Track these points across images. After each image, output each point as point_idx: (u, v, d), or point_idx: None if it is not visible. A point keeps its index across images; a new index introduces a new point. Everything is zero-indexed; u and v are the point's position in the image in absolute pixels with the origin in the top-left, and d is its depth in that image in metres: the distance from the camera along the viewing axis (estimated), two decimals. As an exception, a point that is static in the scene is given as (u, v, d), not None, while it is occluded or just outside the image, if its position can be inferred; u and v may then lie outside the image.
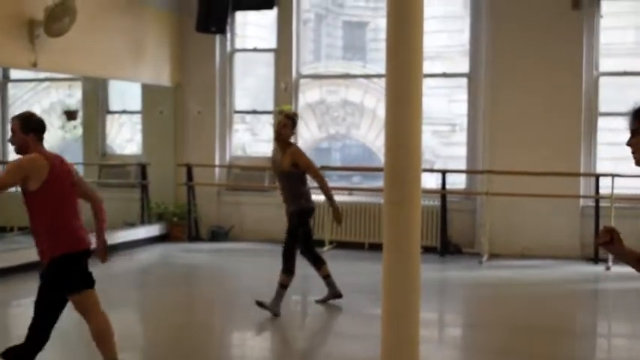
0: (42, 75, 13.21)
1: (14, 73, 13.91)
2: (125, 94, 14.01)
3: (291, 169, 8.10)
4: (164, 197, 13.30)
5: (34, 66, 10.42)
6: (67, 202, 5.60)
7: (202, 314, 8.66)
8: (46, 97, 14.60)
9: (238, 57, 13.64)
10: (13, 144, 5.65)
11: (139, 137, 14.03)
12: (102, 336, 5.77)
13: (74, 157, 14.18)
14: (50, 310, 5.63)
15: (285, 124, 8.14)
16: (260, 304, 7.90)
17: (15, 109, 14.27)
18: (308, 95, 13.82)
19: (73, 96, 13.95)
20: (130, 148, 14.22)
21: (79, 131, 13.94)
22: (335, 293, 8.59)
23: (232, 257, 12.03)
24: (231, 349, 7.53)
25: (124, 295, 9.68)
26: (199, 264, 11.70)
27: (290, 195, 8.17)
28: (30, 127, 5.59)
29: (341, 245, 12.14)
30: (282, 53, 13.14)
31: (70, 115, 13.43)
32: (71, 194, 5.62)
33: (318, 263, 8.64)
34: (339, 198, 12.62)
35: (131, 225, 12.98)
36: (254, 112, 13.83)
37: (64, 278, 5.56)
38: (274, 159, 8.35)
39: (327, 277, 8.61)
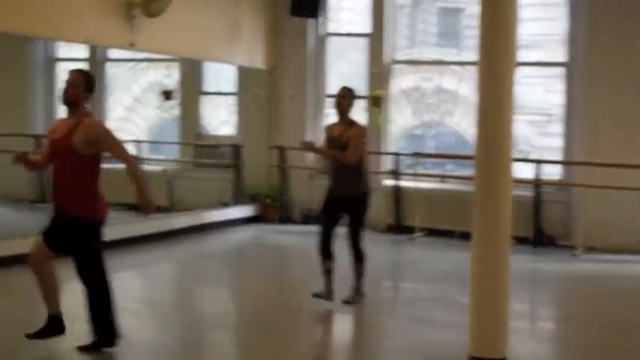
0: (140, 55, 13.44)
1: (113, 53, 14.20)
2: (220, 76, 14.16)
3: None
4: (257, 178, 13.43)
5: (131, 46, 10.62)
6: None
7: (292, 295, 8.70)
8: (145, 76, 14.87)
9: (332, 41, 13.63)
10: (66, 96, 5.89)
11: (233, 119, 14.18)
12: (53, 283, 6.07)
13: (170, 136, 14.47)
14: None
15: (344, 94, 7.79)
16: (347, 302, 7.82)
17: (113, 88, 14.61)
18: (402, 81, 13.72)
19: (171, 76, 14.17)
20: (225, 130, 14.39)
21: (176, 111, 14.17)
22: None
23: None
24: (319, 331, 7.54)
25: (216, 274, 9.83)
26: (290, 246, 11.78)
27: (355, 173, 7.68)
28: (91, 86, 5.97)
29: (431, 233, 12.05)
30: (376, 38, 13.07)
31: (167, 95, 13.67)
32: None
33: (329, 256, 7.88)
34: (431, 185, 12.61)
35: (225, 205, 13.16)
36: (347, 96, 13.78)
37: (93, 241, 6.00)
38: (332, 134, 7.80)
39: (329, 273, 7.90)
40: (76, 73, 5.94)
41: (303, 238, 12.17)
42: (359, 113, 13.44)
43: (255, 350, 6.68)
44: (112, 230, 10.79)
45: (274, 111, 13.53)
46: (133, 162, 6.03)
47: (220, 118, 14.61)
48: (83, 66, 14.14)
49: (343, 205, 7.72)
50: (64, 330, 6.14)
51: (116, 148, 5.92)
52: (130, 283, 9.48)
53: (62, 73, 14.59)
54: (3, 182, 13.67)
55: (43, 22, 9.60)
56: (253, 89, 13.63)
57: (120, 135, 13.81)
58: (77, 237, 5.93)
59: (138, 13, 10.46)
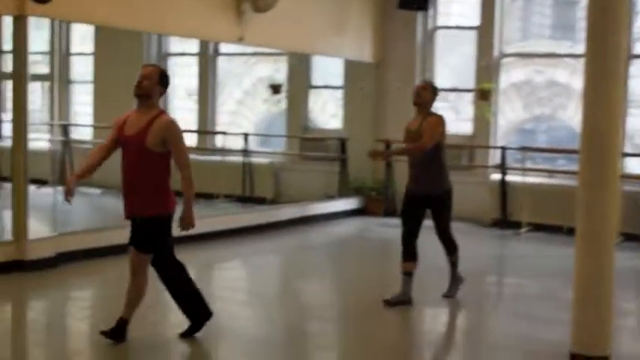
0: (249, 49, 13.66)
1: (224, 48, 14.47)
2: (328, 70, 14.25)
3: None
4: (362, 171, 13.47)
5: (240, 40, 10.81)
6: None
7: (394, 288, 8.69)
8: (255, 71, 15.09)
9: (440, 34, 13.54)
10: (139, 88, 5.85)
11: (340, 112, 14.26)
12: (139, 296, 6.06)
13: (278, 129, 14.66)
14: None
15: (425, 87, 7.57)
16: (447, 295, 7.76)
17: (225, 82, 14.87)
18: (513, 74, 13.52)
19: (280, 70, 14.34)
20: (331, 123, 14.48)
21: (284, 105, 14.34)
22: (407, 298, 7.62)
23: (426, 235, 12.00)
24: (421, 325, 7.53)
25: (320, 266, 9.93)
26: (394, 239, 11.70)
27: (435, 170, 7.48)
28: (166, 82, 5.96)
29: (538, 228, 11.84)
30: (485, 31, 12.92)
31: (275, 88, 13.84)
32: None
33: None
34: (539, 179, 12.39)
35: (330, 197, 13.27)
36: (455, 90, 13.67)
37: (164, 235, 5.98)
38: (410, 128, 7.58)
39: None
40: (151, 67, 5.98)
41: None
42: (467, 106, 13.39)
43: (355, 342, 6.72)
44: (218, 221, 11.19)
45: (381, 104, 13.53)
46: (189, 174, 5.98)
47: (327, 112, 14.71)
48: (195, 60, 14.57)
49: (426, 205, 7.53)
50: (125, 338, 6.10)
51: (181, 154, 5.88)
52: (235, 274, 9.69)
53: (174, 67, 14.98)
54: (116, 173, 14.14)
55: (156, 18, 9.89)
56: (360, 82, 13.67)
57: (230, 128, 14.16)
58: (153, 234, 5.98)
59: (247, 8, 10.65)
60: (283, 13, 10.96)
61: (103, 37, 14.51)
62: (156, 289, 6.43)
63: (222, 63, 14.84)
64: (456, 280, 7.82)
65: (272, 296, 8.29)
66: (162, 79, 5.90)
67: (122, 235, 9.58)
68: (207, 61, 14.50)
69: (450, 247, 7.75)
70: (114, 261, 8.82)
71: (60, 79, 15.37)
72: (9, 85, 9.35)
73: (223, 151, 14.06)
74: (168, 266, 6.15)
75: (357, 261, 10.31)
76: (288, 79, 14.15)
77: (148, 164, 5.82)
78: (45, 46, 15.40)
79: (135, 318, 6.15)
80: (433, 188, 7.48)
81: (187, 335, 6.27)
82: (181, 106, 15.19)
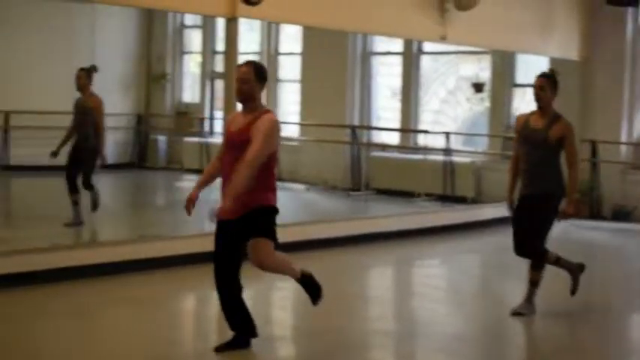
0: (452, 48, 13.66)
1: (428, 46, 14.54)
2: (532, 68, 13.99)
3: (555, 143, 6.83)
4: (566, 172, 13.13)
5: (443, 39, 10.84)
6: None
7: (594, 291, 8.48)
8: (459, 69, 15.07)
9: (655, 30, 13.01)
10: (241, 94, 5.60)
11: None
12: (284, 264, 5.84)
13: (480, 128, 14.57)
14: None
15: (542, 86, 6.86)
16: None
17: (430, 81, 14.95)
18: None
19: (484, 69, 14.24)
20: (535, 122, 14.20)
21: (487, 103, 14.23)
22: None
23: (634, 239, 11.60)
24: (625, 331, 7.31)
25: (519, 266, 9.78)
26: (598, 242, 11.45)
27: (550, 172, 6.87)
28: (263, 76, 5.67)
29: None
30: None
31: (478, 87, 13.78)
32: None
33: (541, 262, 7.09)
34: None
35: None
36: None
37: (272, 225, 5.71)
38: (530, 126, 6.91)
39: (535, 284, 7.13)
40: (244, 67, 5.66)
41: (613, 235, 11.78)
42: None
43: (549, 344, 6.62)
44: (418, 219, 11.32)
45: (586, 103, 13.14)
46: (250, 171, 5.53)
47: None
48: (399, 59, 14.75)
49: (536, 205, 6.92)
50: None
51: (260, 152, 5.52)
52: (434, 271, 9.76)
53: (379, 67, 15.23)
54: (320, 170, 14.57)
55: (361, 17, 10.12)
56: (565, 81, 13.30)
57: (433, 127, 14.21)
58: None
59: (450, 6, 10.67)
60: (486, 10, 10.89)
61: (310, 37, 14.99)
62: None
63: (425, 62, 14.93)
64: (531, 300, 7.13)
65: (470, 295, 8.30)
66: (259, 76, 5.64)
67: (325, 229, 10.02)
68: (411, 60, 14.63)
69: (538, 260, 7.10)
70: (318, 254, 9.15)
71: (269, 79, 16.01)
72: (221, 84, 9.87)
73: (425, 149, 14.15)
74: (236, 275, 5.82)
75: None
76: (491, 77, 14.03)
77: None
78: (255, 47, 16.12)
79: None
80: (551, 186, 6.92)
81: (223, 349, 5.82)
82: (385, 105, 15.42)
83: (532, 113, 7.00)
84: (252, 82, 5.57)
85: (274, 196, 5.71)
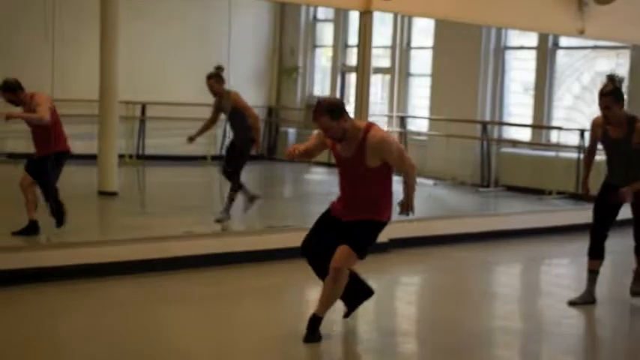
0: (590, 43, 13.28)
1: (563, 41, 14.18)
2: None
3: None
4: None
5: (581, 33, 10.57)
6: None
7: None
8: (595, 65, 14.65)
9: None
10: (332, 137, 5.61)
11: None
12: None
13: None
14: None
15: (607, 106, 6.74)
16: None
17: (564, 76, 14.58)
18: None
19: (622, 65, 13.78)
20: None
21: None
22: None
23: None
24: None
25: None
26: None
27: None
28: (336, 111, 5.51)
29: None
30: None
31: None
32: None
33: None
34: None
35: None
36: None
37: (371, 242, 5.78)
38: (609, 136, 6.95)
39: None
40: (316, 117, 5.54)
41: None
42: None
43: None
44: (549, 217, 11.07)
45: None
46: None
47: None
48: (532, 54, 14.43)
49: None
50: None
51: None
52: (562, 271, 9.53)
53: (512, 61, 14.95)
54: (448, 165, 14.43)
55: (495, 11, 9.98)
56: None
57: (566, 124, 13.84)
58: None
59: (590, 0, 10.41)
60: (626, 4, 10.55)
61: (443, 30, 14.85)
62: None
63: (560, 57, 14.56)
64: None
65: (599, 295, 8.05)
66: (333, 113, 5.50)
67: (453, 225, 9.94)
68: (545, 54, 14.29)
69: None
70: (446, 250, 9.11)
71: (400, 72, 15.98)
72: (353, 77, 9.90)
73: (558, 146, 13.81)
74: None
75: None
76: (629, 73, 13.56)
77: (371, 179, 5.77)
78: (387, 40, 16.10)
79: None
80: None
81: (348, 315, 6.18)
82: (517, 101, 15.13)
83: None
84: (331, 124, 5.50)
85: (389, 211, 5.83)
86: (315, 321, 5.73)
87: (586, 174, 7.30)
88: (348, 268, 5.73)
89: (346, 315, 6.12)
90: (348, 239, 5.66)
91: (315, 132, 5.86)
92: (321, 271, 5.81)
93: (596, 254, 7.23)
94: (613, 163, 7.05)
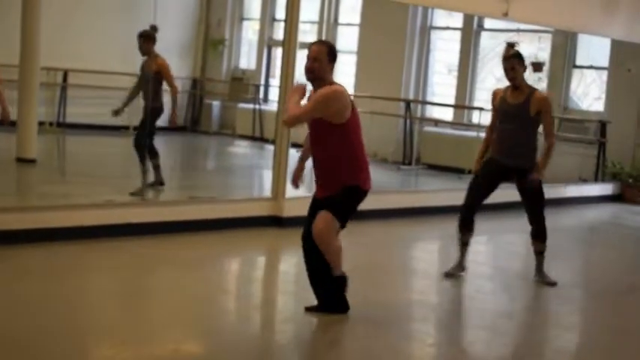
0: (513, 26, 13.50)
1: (488, 23, 14.38)
2: (593, 49, 13.79)
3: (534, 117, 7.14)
4: (621, 157, 12.99)
5: (505, 15, 10.71)
6: (361, 139, 5.81)
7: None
8: (517, 48, 14.88)
9: None
10: (311, 73, 5.61)
11: (603, 94, 13.78)
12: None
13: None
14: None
15: (513, 67, 7.19)
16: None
17: (487, 59, 14.80)
18: None
19: (543, 49, 14.06)
20: (593, 105, 14.03)
21: (544, 84, 14.06)
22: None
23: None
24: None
25: (568, 248, 9.73)
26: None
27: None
28: (335, 56, 5.67)
29: None
30: None
31: (536, 66, 13.60)
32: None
33: None
34: None
35: (584, 181, 12.93)
36: None
37: (349, 208, 5.71)
38: (507, 102, 7.26)
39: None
40: (317, 46, 5.67)
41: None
42: None
43: (592, 323, 6.58)
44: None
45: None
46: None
47: (590, 93, 14.26)
48: (457, 35, 14.61)
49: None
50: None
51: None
52: (480, 248, 9.71)
53: (437, 42, 15.10)
54: (371, 142, 14.51)
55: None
56: (627, 64, 13.13)
57: (487, 105, 14.05)
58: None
59: (513, -18, 10.56)
60: (551, -11, 10.75)
61: (370, 8, 14.92)
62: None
63: (485, 39, 14.77)
64: None
65: (514, 274, 8.26)
66: (331, 55, 5.66)
67: (375, 201, 10.02)
68: (470, 36, 14.49)
69: None
70: (367, 225, 9.18)
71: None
72: (279, 51, 9.86)
73: (479, 127, 14.04)
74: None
75: (606, 246, 10.01)
76: (550, 57, 13.86)
77: (331, 138, 5.69)
78: (315, 16, 16.08)
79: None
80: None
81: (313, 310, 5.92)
82: (441, 81, 15.31)
83: (507, 89, 7.29)
84: (323, 61, 5.59)
85: (363, 175, 5.76)
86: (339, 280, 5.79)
87: (483, 151, 7.48)
88: (333, 234, 5.64)
89: (309, 308, 5.88)
90: (325, 206, 5.65)
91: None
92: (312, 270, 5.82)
93: (467, 227, 7.52)
94: (503, 137, 7.22)
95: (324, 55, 5.60)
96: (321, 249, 5.68)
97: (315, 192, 5.88)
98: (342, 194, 5.66)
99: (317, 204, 5.79)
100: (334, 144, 5.64)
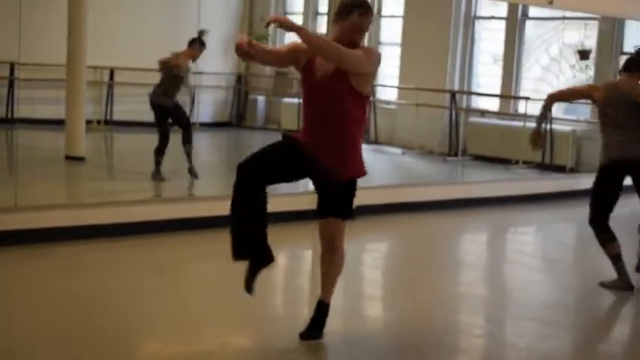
0: (559, 14, 13.34)
1: (533, 11, 14.23)
2: (641, 36, 13.59)
3: None
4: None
5: (550, 3, 10.61)
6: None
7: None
8: (563, 36, 14.72)
9: None
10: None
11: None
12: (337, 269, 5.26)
13: (583, 97, 14.21)
14: None
15: None
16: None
17: (533, 47, 14.65)
18: None
19: (590, 37, 13.87)
20: None
21: (591, 71, 13.87)
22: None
23: None
24: None
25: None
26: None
27: None
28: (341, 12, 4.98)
29: None
30: None
31: (583, 54, 13.44)
32: None
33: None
34: None
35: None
36: None
37: (352, 200, 5.12)
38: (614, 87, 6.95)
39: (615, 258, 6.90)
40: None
41: None
42: None
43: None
44: (515, 186, 11.19)
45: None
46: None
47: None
48: (502, 24, 14.47)
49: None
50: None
51: None
52: (529, 239, 9.65)
53: (482, 32, 14.99)
54: (416, 134, 14.49)
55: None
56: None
57: (534, 94, 13.95)
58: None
59: (558, -30, 10.47)
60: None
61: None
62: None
63: (529, 28, 14.61)
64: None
65: (564, 264, 8.19)
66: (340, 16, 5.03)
67: (421, 192, 10.01)
68: (514, 25, 14.35)
69: None
70: (413, 217, 9.17)
71: (370, 40, 15.95)
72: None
73: (525, 116, 13.91)
74: None
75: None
76: (597, 45, 13.66)
77: (349, 114, 4.97)
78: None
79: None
80: None
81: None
82: (486, 72, 15.19)
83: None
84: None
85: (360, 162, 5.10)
86: (320, 308, 5.23)
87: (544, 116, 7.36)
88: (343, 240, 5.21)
89: (305, 336, 5.20)
90: (333, 205, 5.11)
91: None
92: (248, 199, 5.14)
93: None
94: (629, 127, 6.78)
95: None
96: (326, 263, 5.24)
97: (300, 136, 5.04)
98: (348, 190, 5.07)
99: (295, 155, 5.00)
100: (352, 117, 4.92)
